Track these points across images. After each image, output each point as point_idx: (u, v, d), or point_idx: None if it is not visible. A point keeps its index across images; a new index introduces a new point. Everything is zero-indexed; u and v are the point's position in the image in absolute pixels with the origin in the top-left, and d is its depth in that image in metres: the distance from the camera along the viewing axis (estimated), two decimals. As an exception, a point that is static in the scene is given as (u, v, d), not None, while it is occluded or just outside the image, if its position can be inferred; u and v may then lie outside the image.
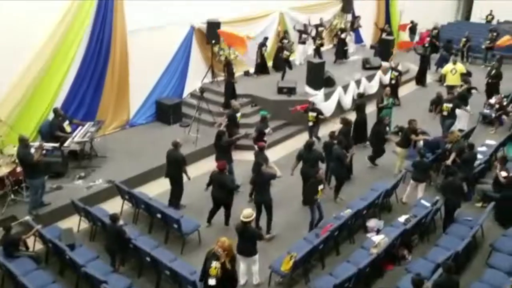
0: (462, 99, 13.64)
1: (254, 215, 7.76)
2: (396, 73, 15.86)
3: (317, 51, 17.16)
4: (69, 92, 12.03)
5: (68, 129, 11.30)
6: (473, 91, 14.88)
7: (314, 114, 12.46)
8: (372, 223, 9.55)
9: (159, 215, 9.21)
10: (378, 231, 9.23)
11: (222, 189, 9.29)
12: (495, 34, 20.15)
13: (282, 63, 15.69)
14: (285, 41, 16.30)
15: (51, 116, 11.41)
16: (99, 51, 12.33)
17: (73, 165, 11.08)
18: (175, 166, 9.92)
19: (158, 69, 14.00)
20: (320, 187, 9.11)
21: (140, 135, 13.08)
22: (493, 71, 15.99)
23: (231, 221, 9.37)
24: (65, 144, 10.80)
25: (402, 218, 9.28)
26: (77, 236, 9.11)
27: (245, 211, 7.65)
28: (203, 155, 12.23)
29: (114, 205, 10.01)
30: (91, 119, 12.20)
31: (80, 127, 11.51)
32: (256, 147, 10.60)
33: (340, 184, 10.54)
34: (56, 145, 10.63)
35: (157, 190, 10.74)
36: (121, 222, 8.19)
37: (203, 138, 12.37)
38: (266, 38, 16.16)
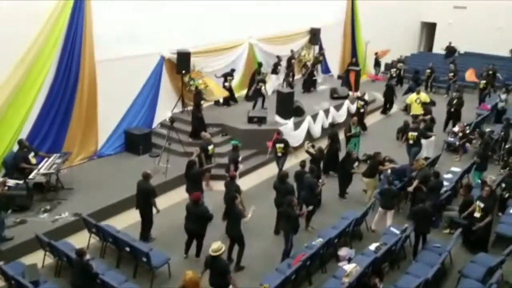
0: (427, 128, 14.04)
1: (223, 248, 7.63)
2: (362, 103, 16.22)
3: (288, 82, 17.41)
4: (35, 123, 11.79)
5: (33, 161, 11.05)
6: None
7: (282, 145, 12.57)
8: (343, 252, 9.56)
9: (127, 249, 8.99)
10: (349, 260, 9.23)
11: (197, 221, 9.15)
12: (453, 66, 20.94)
13: (256, 93, 15.84)
14: (263, 72, 16.57)
15: (16, 147, 11.15)
16: (67, 81, 12.18)
17: (38, 198, 10.78)
18: (144, 198, 9.77)
19: (128, 99, 13.91)
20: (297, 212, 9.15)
21: (109, 166, 12.87)
22: (455, 100, 16.54)
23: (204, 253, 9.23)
24: (30, 176, 10.53)
25: (372, 246, 9.34)
26: (42, 272, 8.77)
27: (214, 245, 7.55)
28: (173, 186, 12.10)
29: (81, 239, 9.74)
30: (58, 151, 11.97)
31: (46, 159, 11.26)
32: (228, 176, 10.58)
33: (311, 213, 10.57)
34: (20, 182, 10.35)
35: (126, 222, 10.52)
36: (87, 256, 7.96)
37: (173, 169, 12.27)
38: (233, 70, 16.36)
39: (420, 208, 9.52)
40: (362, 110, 16.19)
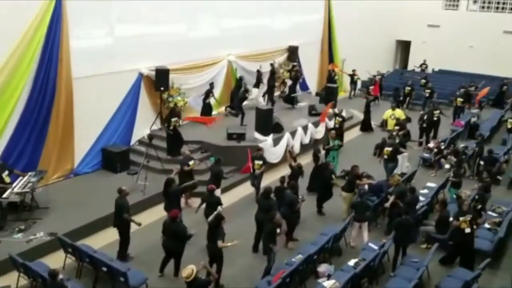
0: (400, 144, 14.27)
1: (195, 269, 7.44)
2: (340, 119, 16.40)
3: (270, 98, 17.49)
4: (9, 140, 11.58)
5: (7, 179, 10.78)
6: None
7: (260, 162, 12.61)
8: (323, 268, 9.58)
9: (104, 269, 8.83)
10: (329, 276, 9.25)
11: (174, 239, 9.06)
12: (429, 83, 21.46)
13: (241, 108, 15.86)
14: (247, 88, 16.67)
15: (-11, 166, 10.91)
16: (43, 98, 12.01)
17: (12, 218, 10.53)
18: (120, 215, 9.65)
19: (105, 116, 13.78)
20: (277, 231, 9.11)
21: (85, 184, 12.68)
22: (426, 116, 16.92)
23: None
24: (4, 196, 10.29)
25: (351, 262, 9.38)
26: (15, 293, 8.58)
27: (185, 272, 7.38)
28: (152, 203, 11.98)
29: (57, 259, 9.55)
30: (33, 169, 11.74)
31: (20, 177, 11.04)
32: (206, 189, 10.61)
33: (291, 229, 10.57)
34: None
35: (103, 241, 10.36)
36: (61, 276, 7.77)
37: (152, 186, 12.16)
38: (211, 84, 16.34)
39: (404, 219, 9.66)
40: (338, 126, 16.26)
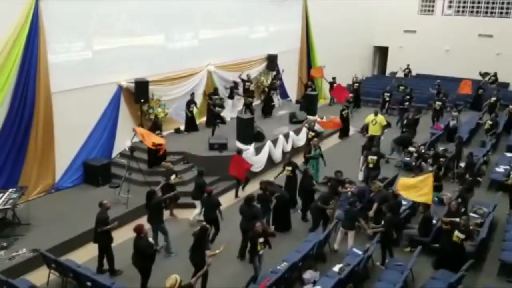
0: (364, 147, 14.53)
1: (178, 279, 7.30)
2: (313, 133, 15.75)
3: (248, 107, 17.59)
4: (-12, 157, 11.45)
5: (-13, 197, 10.66)
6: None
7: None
8: (308, 275, 9.61)
9: (89, 283, 8.75)
10: (314, 283, 9.30)
11: (139, 255, 8.88)
12: (408, 89, 21.77)
13: (213, 119, 15.87)
14: (215, 97, 16.59)
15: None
16: (22, 114, 11.91)
17: (-7, 235, 10.40)
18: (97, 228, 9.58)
19: (85, 129, 13.70)
20: (260, 240, 9.10)
21: (67, 199, 12.55)
22: (405, 121, 17.34)
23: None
24: (-15, 213, 10.16)
25: (336, 268, 9.44)
26: (-2, 312, 8.44)
27: (168, 282, 7.16)
28: (135, 216, 11.86)
29: (40, 275, 9.45)
30: (13, 185, 11.60)
31: (1, 194, 10.88)
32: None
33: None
34: None
35: (87, 256, 10.26)
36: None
37: (134, 199, 12.10)
38: (192, 94, 16.35)
39: (391, 217, 9.94)
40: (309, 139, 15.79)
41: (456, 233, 9.62)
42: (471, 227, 9.99)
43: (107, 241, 9.67)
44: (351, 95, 21.64)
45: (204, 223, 9.68)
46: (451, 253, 9.69)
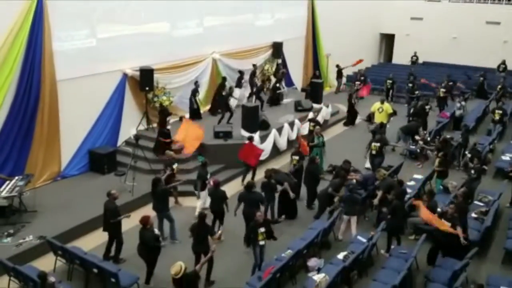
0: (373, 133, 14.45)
1: (183, 268, 7.27)
2: (313, 124, 15.63)
3: (258, 95, 17.56)
4: (-5, 145, 11.51)
5: (-6, 184, 10.75)
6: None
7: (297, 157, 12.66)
8: (312, 262, 9.66)
9: (95, 270, 8.84)
10: (319, 270, 9.34)
11: (143, 245, 8.93)
12: (412, 77, 21.64)
13: (225, 108, 15.81)
14: (231, 86, 16.60)
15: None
16: (27, 102, 11.94)
17: (0, 222, 10.48)
18: (109, 219, 9.63)
19: (91, 118, 13.73)
20: (261, 230, 9.11)
21: (73, 187, 12.63)
22: (412, 110, 17.24)
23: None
24: (-9, 200, 10.24)
25: (341, 255, 9.48)
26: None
27: (173, 269, 7.23)
28: (141, 204, 11.96)
29: (47, 262, 9.53)
30: (20, 173, 11.68)
31: (7, 182, 10.97)
32: (212, 183, 10.89)
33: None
34: None
35: (93, 243, 10.36)
36: (52, 279, 7.75)
37: (140, 187, 12.16)
38: (196, 83, 16.29)
39: (399, 204, 9.96)
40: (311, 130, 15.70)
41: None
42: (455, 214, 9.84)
43: (118, 229, 9.73)
44: (358, 82, 21.63)
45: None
46: (444, 242, 9.65)
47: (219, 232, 9.34)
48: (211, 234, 9.06)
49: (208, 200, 11.07)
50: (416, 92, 19.94)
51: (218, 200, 10.56)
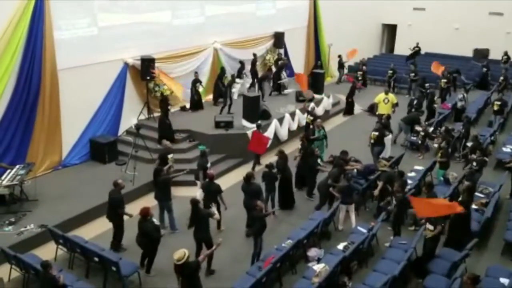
0: (385, 127, 14.37)
1: (187, 253, 7.34)
2: (311, 117, 15.41)
3: (260, 84, 17.56)
4: (-4, 134, 11.52)
5: (-5, 173, 10.78)
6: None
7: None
8: (312, 252, 9.70)
9: (96, 259, 8.88)
10: (318, 260, 9.38)
11: (143, 237, 8.93)
12: (413, 66, 21.53)
13: (227, 98, 15.73)
14: (232, 74, 16.60)
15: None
16: (28, 91, 11.93)
17: (2, 211, 10.52)
18: (114, 209, 9.65)
19: (92, 107, 13.74)
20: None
21: (74, 176, 12.66)
22: (415, 101, 17.20)
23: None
24: (-8, 189, 10.27)
25: (341, 246, 9.52)
26: (8, 286, 8.62)
27: (176, 255, 7.24)
28: (142, 193, 12.01)
29: (48, 251, 9.59)
30: (21, 162, 11.70)
31: (8, 170, 10.99)
32: (207, 178, 10.65)
33: None
34: None
35: (94, 232, 10.42)
36: (54, 272, 7.77)
37: (140, 176, 12.18)
38: (196, 73, 16.21)
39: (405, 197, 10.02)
40: (311, 126, 15.40)
41: (427, 225, 9.28)
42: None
43: (122, 219, 9.75)
44: (360, 72, 21.58)
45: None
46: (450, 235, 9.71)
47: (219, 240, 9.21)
48: (211, 215, 9.07)
49: None
50: (426, 85, 19.75)
51: (212, 194, 10.24)
